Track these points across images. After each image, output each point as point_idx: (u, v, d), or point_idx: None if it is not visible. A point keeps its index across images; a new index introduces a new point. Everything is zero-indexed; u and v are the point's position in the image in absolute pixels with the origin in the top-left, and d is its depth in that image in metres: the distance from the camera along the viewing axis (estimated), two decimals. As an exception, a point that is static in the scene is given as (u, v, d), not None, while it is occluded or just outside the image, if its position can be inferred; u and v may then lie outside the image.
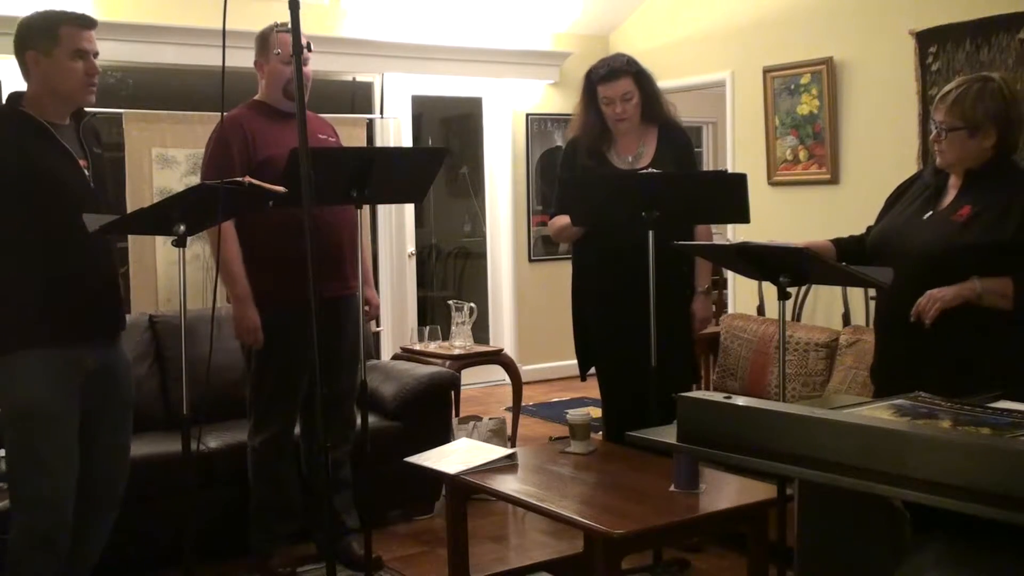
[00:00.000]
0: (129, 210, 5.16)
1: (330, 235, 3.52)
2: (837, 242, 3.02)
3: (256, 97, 3.66)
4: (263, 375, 3.62)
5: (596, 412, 4.19)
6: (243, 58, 3.76)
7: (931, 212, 2.80)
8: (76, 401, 2.93)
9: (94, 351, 2.98)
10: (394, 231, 6.86)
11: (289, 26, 2.61)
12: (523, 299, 7.34)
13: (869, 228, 3.02)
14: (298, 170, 2.64)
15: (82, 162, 2.93)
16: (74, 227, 2.83)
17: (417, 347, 5.27)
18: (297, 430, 3.79)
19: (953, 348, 2.66)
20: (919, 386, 2.14)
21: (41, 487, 2.88)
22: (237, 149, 3.50)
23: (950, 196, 2.79)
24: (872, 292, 4.75)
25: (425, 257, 8.38)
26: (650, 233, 3.36)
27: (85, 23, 2.90)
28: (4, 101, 2.96)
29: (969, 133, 2.70)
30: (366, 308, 3.80)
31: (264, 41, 3.58)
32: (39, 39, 2.86)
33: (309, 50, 2.80)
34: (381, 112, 6.70)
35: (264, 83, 3.63)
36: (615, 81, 3.74)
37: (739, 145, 6.35)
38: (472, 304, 5.37)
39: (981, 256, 2.64)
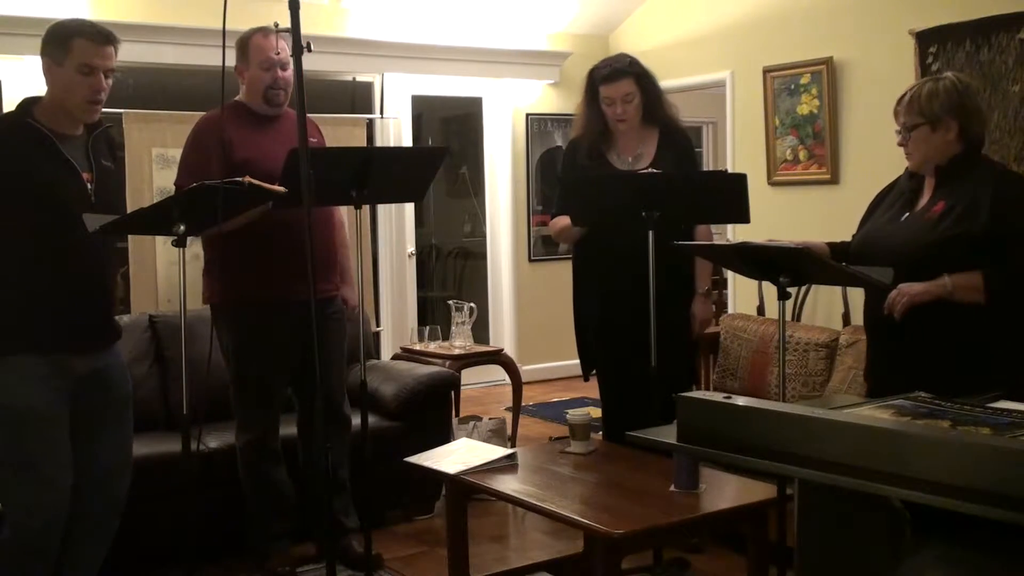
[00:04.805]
0: (129, 210, 5.16)
1: (303, 235, 3.41)
2: (832, 245, 3.04)
3: (237, 98, 3.63)
4: (242, 377, 3.62)
5: (596, 412, 4.19)
6: (243, 58, 3.75)
7: (908, 214, 2.85)
8: (66, 405, 2.90)
9: (83, 358, 2.95)
10: (394, 231, 6.86)
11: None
12: (523, 299, 7.34)
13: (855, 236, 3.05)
14: (298, 170, 2.64)
15: (86, 175, 2.90)
16: (68, 238, 2.82)
17: (417, 347, 5.27)
18: (293, 430, 3.80)
19: (935, 344, 2.70)
20: (910, 385, 2.15)
21: (32, 492, 2.86)
22: (215, 152, 3.47)
23: (926, 196, 2.85)
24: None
25: (425, 257, 8.37)
26: (650, 233, 3.36)
27: (101, 38, 2.84)
28: (16, 106, 2.92)
29: (931, 127, 2.76)
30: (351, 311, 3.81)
31: (243, 47, 3.55)
32: (53, 47, 2.84)
33: (309, 50, 2.79)
34: (381, 112, 6.70)
35: (244, 88, 3.61)
36: (617, 82, 3.74)
37: (739, 145, 6.35)
38: (472, 304, 5.37)
39: (954, 250, 2.68)
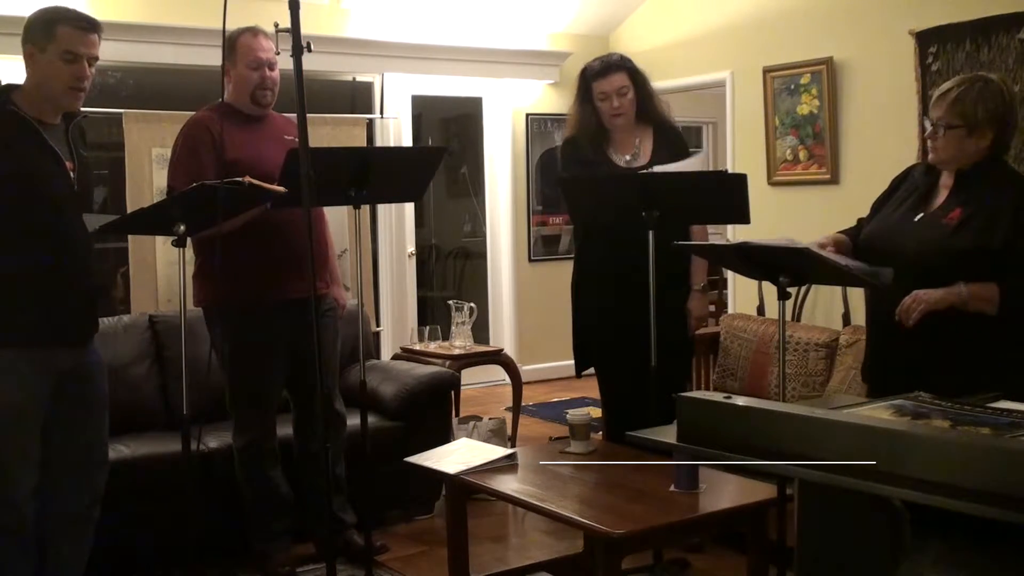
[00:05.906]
0: (129, 210, 5.17)
1: (293, 235, 3.42)
2: (846, 233, 3.00)
3: (224, 99, 3.61)
4: (237, 379, 3.60)
5: (596, 412, 4.19)
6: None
7: (922, 213, 2.81)
8: (45, 402, 2.86)
9: (67, 352, 2.91)
10: (394, 231, 6.86)
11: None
12: (523, 299, 7.34)
13: (860, 220, 3.02)
14: (298, 170, 2.64)
15: (68, 164, 2.87)
16: (53, 228, 2.79)
17: (417, 347, 5.27)
18: (289, 430, 3.80)
19: (943, 348, 2.68)
20: (911, 385, 2.14)
21: None
22: (206, 152, 3.46)
23: (941, 196, 2.80)
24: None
25: (425, 257, 8.37)
26: (650, 233, 3.36)
27: (85, 25, 2.82)
28: None
29: (967, 132, 2.71)
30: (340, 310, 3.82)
31: (231, 46, 3.52)
32: (37, 34, 2.81)
33: (309, 50, 2.79)
34: (381, 112, 6.70)
35: (231, 88, 3.59)
36: (610, 76, 3.76)
37: (739, 145, 6.35)
38: (472, 304, 5.37)
39: (970, 261, 2.65)
